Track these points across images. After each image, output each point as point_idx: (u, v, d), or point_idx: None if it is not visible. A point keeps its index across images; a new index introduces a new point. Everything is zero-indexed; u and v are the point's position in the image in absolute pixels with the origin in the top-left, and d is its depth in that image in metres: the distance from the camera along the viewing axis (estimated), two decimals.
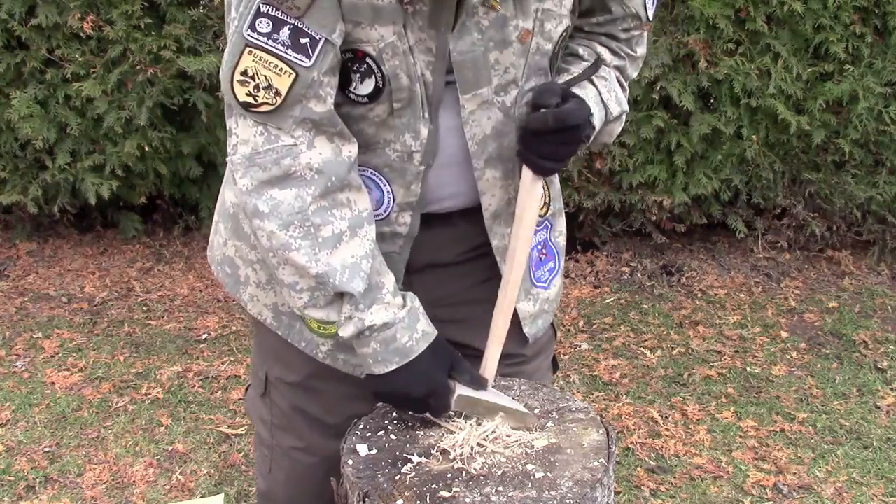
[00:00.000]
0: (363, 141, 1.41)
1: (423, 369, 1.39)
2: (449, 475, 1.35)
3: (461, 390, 1.43)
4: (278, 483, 1.71)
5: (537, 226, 1.57)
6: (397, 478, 1.35)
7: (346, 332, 1.37)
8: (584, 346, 3.46)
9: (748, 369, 3.28)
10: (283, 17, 1.26)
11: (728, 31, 3.57)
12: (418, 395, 1.40)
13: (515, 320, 1.57)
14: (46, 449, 2.85)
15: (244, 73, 1.28)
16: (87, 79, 3.77)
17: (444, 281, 1.59)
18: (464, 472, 1.35)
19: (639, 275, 4.00)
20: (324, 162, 1.33)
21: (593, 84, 1.50)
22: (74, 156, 3.97)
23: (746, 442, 2.86)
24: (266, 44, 1.26)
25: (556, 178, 1.66)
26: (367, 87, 1.36)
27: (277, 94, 1.28)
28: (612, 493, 1.40)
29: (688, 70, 3.70)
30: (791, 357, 3.37)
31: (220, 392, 3.16)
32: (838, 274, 4.03)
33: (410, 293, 1.43)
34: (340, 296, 1.36)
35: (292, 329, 1.55)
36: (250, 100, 1.29)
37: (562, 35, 1.44)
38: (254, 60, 1.27)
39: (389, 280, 1.40)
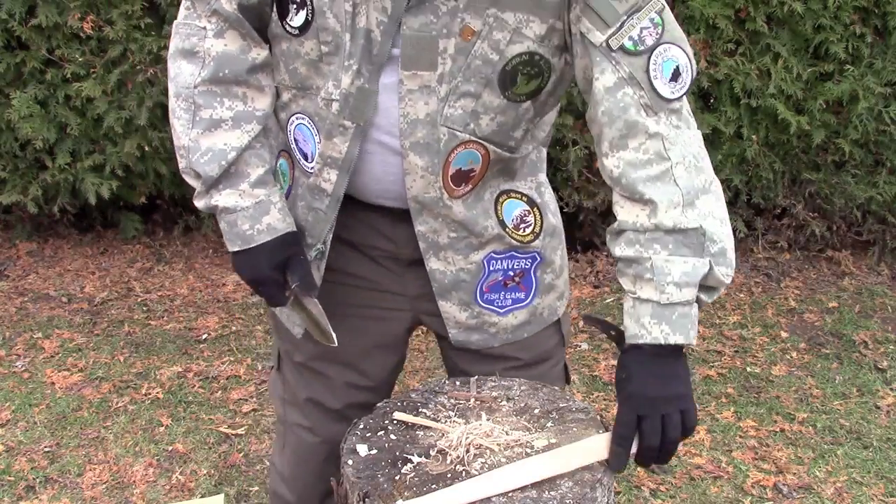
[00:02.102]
0: (299, 82, 1.47)
1: (256, 259, 1.47)
2: (449, 475, 1.35)
3: (304, 299, 1.50)
4: (287, 459, 1.76)
5: (517, 252, 1.56)
6: (397, 478, 1.35)
7: (197, 204, 1.49)
8: (584, 346, 3.46)
9: (748, 369, 3.28)
10: None
11: (728, 31, 3.57)
12: (251, 279, 1.49)
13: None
14: (46, 449, 2.85)
15: None
16: (87, 79, 3.77)
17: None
18: (464, 473, 1.35)
19: None
20: (223, 52, 1.43)
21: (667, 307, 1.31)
22: (74, 156, 3.97)
23: (746, 442, 2.86)
24: None
25: (554, 214, 1.63)
26: (299, 18, 1.41)
27: None
28: (612, 493, 1.40)
29: None
30: (791, 357, 3.37)
31: (220, 392, 3.16)
32: (838, 274, 4.03)
33: (276, 188, 1.49)
34: (197, 174, 1.47)
35: None
36: None
37: (520, 56, 1.36)
38: None
39: (256, 173, 1.46)
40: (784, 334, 3.53)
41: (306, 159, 1.51)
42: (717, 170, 3.81)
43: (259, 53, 1.46)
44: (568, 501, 1.28)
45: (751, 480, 2.66)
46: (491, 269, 1.56)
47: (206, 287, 3.95)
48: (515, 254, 1.57)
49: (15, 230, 4.36)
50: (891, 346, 3.44)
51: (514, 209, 1.56)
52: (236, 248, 1.48)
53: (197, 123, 1.44)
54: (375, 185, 1.49)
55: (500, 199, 1.55)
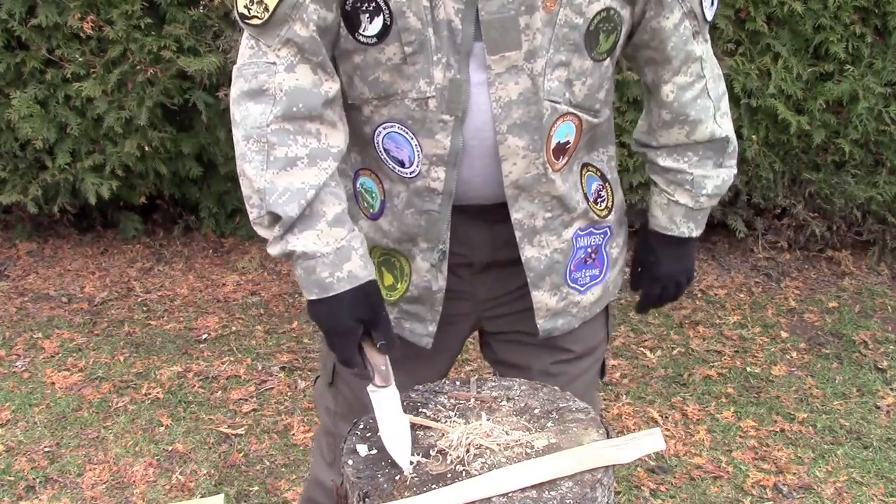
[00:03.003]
0: (382, 91, 1.43)
1: (336, 309, 1.40)
2: (449, 475, 1.35)
3: (372, 391, 1.44)
4: (337, 472, 1.73)
5: (595, 228, 1.60)
6: (397, 478, 1.35)
7: (274, 251, 1.40)
8: None
9: (748, 369, 3.28)
10: None
11: (728, 31, 3.57)
12: (328, 329, 1.42)
13: (531, 307, 1.59)
14: (46, 449, 2.85)
15: None
16: (87, 79, 3.77)
17: (506, 279, 1.61)
18: (464, 473, 1.35)
19: None
20: (295, 87, 1.37)
21: (680, 203, 1.64)
22: (74, 156, 3.97)
23: (746, 442, 2.86)
24: None
25: (619, 190, 1.67)
26: (375, 26, 1.39)
27: (266, 9, 1.35)
28: (612, 493, 1.40)
29: None
30: (791, 357, 3.37)
31: (220, 392, 3.16)
32: (838, 274, 4.03)
33: (357, 232, 1.42)
34: (276, 217, 1.38)
35: None
36: (245, 11, 1.36)
37: (599, 14, 1.42)
38: None
39: (332, 212, 1.39)
40: (784, 334, 3.53)
41: (403, 165, 1.48)
42: None
43: (331, 87, 1.40)
44: (568, 501, 1.28)
45: (751, 480, 2.66)
46: (577, 245, 1.59)
47: (206, 287, 3.95)
48: (593, 230, 1.61)
49: (15, 230, 4.36)
50: (891, 346, 3.44)
51: (592, 183, 1.60)
52: (313, 297, 1.40)
53: (272, 164, 1.37)
54: (472, 180, 1.49)
55: (584, 172, 1.58)
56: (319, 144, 1.39)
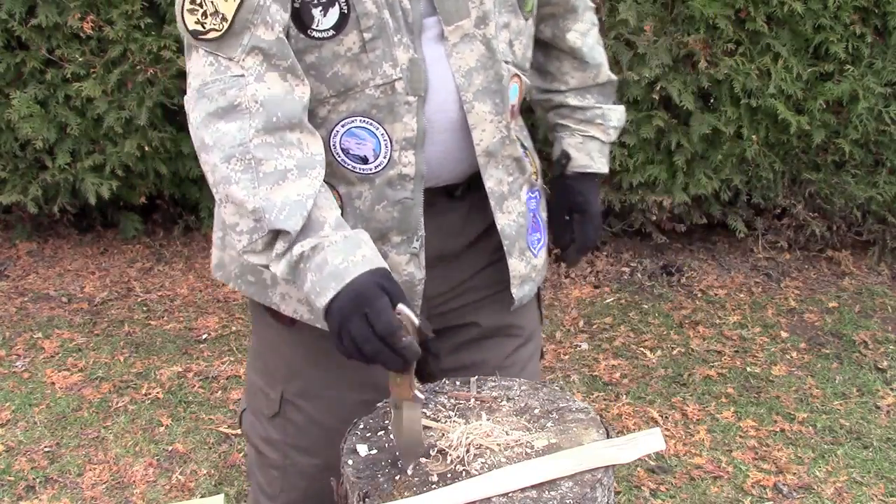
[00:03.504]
0: (341, 86, 1.38)
1: (360, 292, 1.25)
2: (449, 475, 1.35)
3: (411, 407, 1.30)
4: (293, 503, 1.67)
5: (531, 192, 1.62)
6: (397, 478, 1.35)
7: (279, 269, 1.30)
8: (584, 346, 3.46)
9: (748, 369, 3.28)
10: None
11: (728, 31, 3.57)
12: (358, 318, 1.25)
13: (506, 280, 1.58)
14: (46, 449, 2.85)
15: (192, 1, 1.29)
16: (87, 79, 3.77)
17: (451, 272, 1.59)
18: (464, 473, 1.35)
19: (639, 275, 4.01)
20: (270, 96, 1.31)
21: (595, 137, 1.70)
22: (74, 156, 3.97)
23: (746, 442, 2.86)
24: None
25: (536, 157, 1.69)
26: (331, 18, 1.34)
27: (224, 19, 1.28)
28: (612, 493, 1.40)
29: (688, 70, 3.70)
30: (791, 357, 3.37)
31: (220, 392, 3.16)
32: (838, 274, 4.03)
33: (361, 230, 1.36)
34: (276, 234, 1.30)
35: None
36: (199, 27, 1.29)
37: None
38: None
39: (333, 215, 1.33)
40: (784, 334, 3.53)
41: (366, 162, 1.43)
42: (717, 170, 3.82)
43: (304, 92, 1.35)
44: (568, 501, 1.28)
45: (751, 480, 2.66)
46: (530, 208, 1.61)
47: (206, 287, 3.95)
48: (531, 193, 1.62)
49: (15, 230, 4.36)
50: (891, 346, 3.44)
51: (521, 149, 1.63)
52: (331, 294, 1.26)
53: (262, 180, 1.29)
54: (439, 159, 1.47)
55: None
56: (303, 154, 1.34)
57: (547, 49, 1.68)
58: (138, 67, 3.75)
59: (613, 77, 1.70)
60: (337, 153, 1.43)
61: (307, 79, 1.37)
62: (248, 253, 1.33)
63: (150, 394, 3.14)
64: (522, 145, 1.58)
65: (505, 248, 1.55)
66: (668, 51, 3.63)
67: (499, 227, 1.54)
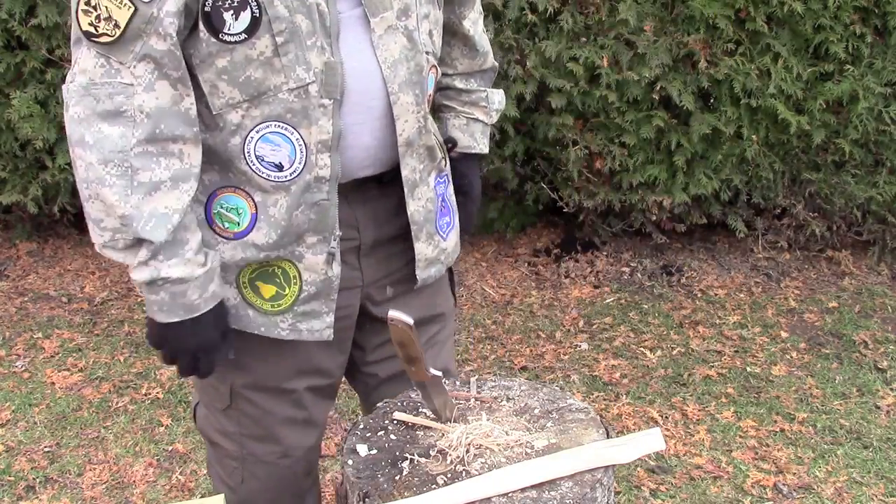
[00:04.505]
0: (254, 90, 1.39)
1: (203, 328, 1.44)
2: (449, 475, 1.35)
3: None
4: (255, 492, 1.70)
5: (440, 177, 1.66)
6: (397, 478, 1.35)
7: (140, 276, 1.39)
8: (584, 346, 3.46)
9: (748, 369, 3.28)
10: None
11: (728, 31, 3.57)
12: (192, 348, 1.46)
13: (411, 258, 1.64)
14: (46, 449, 2.85)
15: (88, 3, 1.30)
16: None
17: (389, 258, 1.64)
18: (464, 473, 1.35)
19: (639, 275, 4.01)
20: (157, 108, 1.34)
21: (478, 119, 1.79)
22: None
23: (746, 442, 2.86)
24: None
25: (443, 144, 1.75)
26: (242, 22, 1.35)
27: (116, 26, 1.29)
28: (612, 493, 1.40)
29: (688, 70, 3.70)
30: (791, 357, 3.37)
31: None
32: (838, 274, 4.03)
33: (213, 252, 1.46)
34: (140, 241, 1.37)
35: (246, 319, 1.54)
36: (92, 29, 1.31)
37: None
38: None
39: (195, 238, 1.42)
40: (784, 334, 3.53)
41: (281, 169, 1.45)
42: (717, 170, 3.82)
43: (192, 102, 1.38)
44: (568, 501, 1.28)
45: (751, 480, 2.66)
46: (437, 193, 1.65)
47: None
48: (440, 178, 1.67)
49: (15, 230, 4.36)
50: (891, 346, 3.44)
51: None
52: (176, 319, 1.42)
53: (136, 189, 1.34)
54: (363, 154, 1.51)
55: None
56: (182, 165, 1.38)
57: (444, 32, 1.71)
58: None
59: (496, 64, 1.80)
60: (252, 161, 1.45)
61: (219, 83, 1.39)
62: (107, 248, 1.39)
63: (150, 394, 3.14)
64: (434, 134, 1.63)
65: (413, 232, 1.60)
66: (668, 51, 3.63)
67: (409, 212, 1.58)
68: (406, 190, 1.56)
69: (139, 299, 3.85)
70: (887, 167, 3.87)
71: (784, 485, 2.65)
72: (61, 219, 4.29)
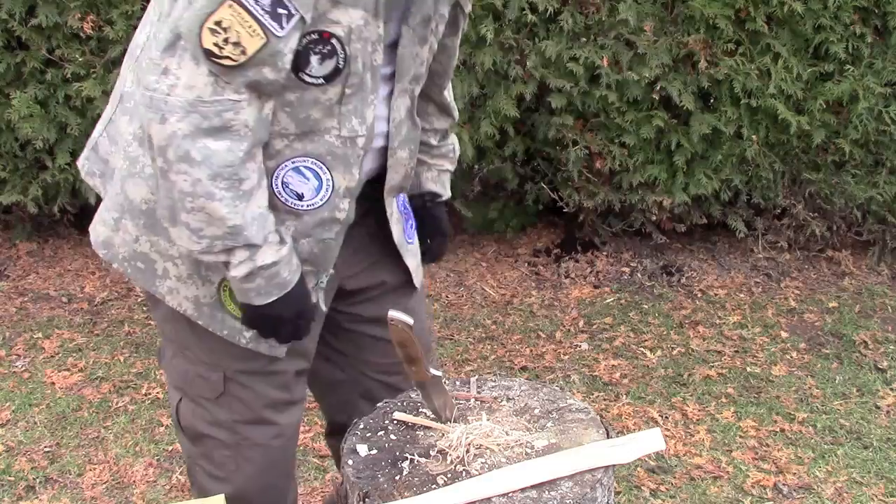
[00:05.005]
0: (307, 128, 1.47)
1: (297, 296, 1.53)
2: (449, 475, 1.35)
3: None
4: (249, 477, 1.73)
5: (399, 194, 1.79)
6: (397, 478, 1.35)
7: (238, 272, 1.46)
8: (584, 346, 3.46)
9: (748, 369, 3.28)
10: None
11: (728, 31, 3.57)
12: (292, 318, 1.54)
13: (406, 271, 1.82)
14: (46, 449, 2.85)
15: (218, 24, 1.31)
16: (87, 79, 3.77)
17: (359, 247, 1.74)
18: (464, 473, 1.35)
19: (639, 275, 4.01)
20: (256, 120, 1.40)
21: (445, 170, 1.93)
22: (74, 156, 3.96)
23: (746, 442, 2.86)
24: (248, 3, 1.31)
25: None
26: (325, 68, 1.42)
27: (244, 52, 1.33)
28: (612, 493, 1.40)
29: (688, 70, 3.70)
30: (791, 357, 3.37)
31: None
32: (838, 274, 4.03)
33: (282, 228, 1.53)
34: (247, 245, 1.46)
35: (214, 319, 1.59)
36: (215, 49, 1.32)
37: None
38: (231, 15, 1.31)
39: (272, 221, 1.48)
40: (784, 334, 3.53)
41: (301, 199, 1.52)
42: (717, 170, 3.82)
43: (270, 108, 1.43)
44: (568, 501, 1.28)
45: (751, 480, 2.66)
46: (400, 208, 1.81)
47: None
48: (400, 194, 1.81)
49: (15, 230, 4.36)
50: (891, 346, 3.44)
51: None
52: (273, 299, 1.50)
53: (241, 197, 1.40)
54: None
55: None
56: (258, 164, 1.44)
57: (422, 95, 1.79)
58: None
59: (457, 116, 1.93)
60: (276, 185, 1.51)
61: (280, 113, 1.45)
62: (203, 254, 1.45)
63: (150, 394, 3.14)
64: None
65: (402, 254, 1.78)
66: (668, 51, 3.63)
67: (395, 239, 1.75)
68: (392, 222, 1.73)
69: (139, 299, 3.85)
70: (887, 167, 3.87)
71: (784, 485, 2.65)
72: (61, 219, 4.28)
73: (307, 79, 1.42)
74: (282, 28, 1.33)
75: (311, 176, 1.50)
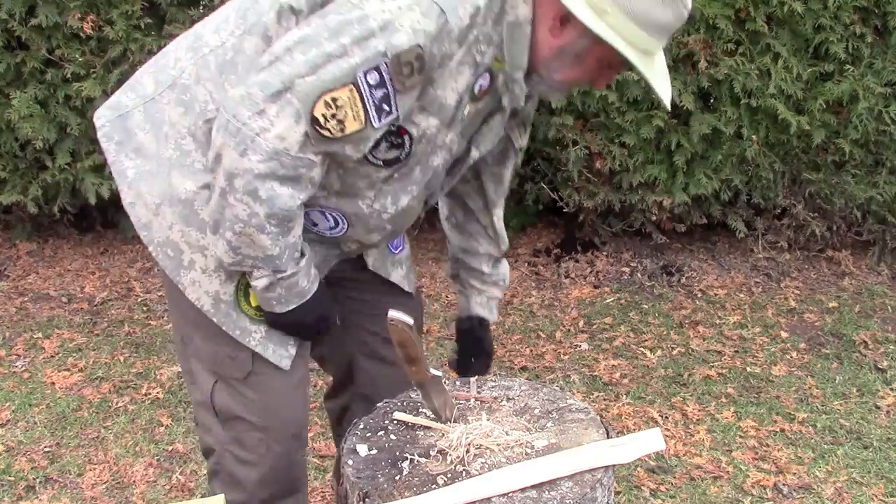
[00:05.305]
0: (348, 190, 1.61)
1: (316, 304, 1.65)
2: (449, 475, 1.35)
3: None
4: (279, 456, 1.76)
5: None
6: (397, 478, 1.35)
7: (260, 283, 1.57)
8: (584, 346, 3.46)
9: (748, 369, 3.28)
10: (389, 83, 1.44)
11: (728, 31, 3.57)
12: (311, 324, 1.67)
13: (397, 287, 1.93)
14: (46, 449, 2.85)
15: (334, 100, 1.43)
16: (87, 79, 3.77)
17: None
18: (464, 473, 1.35)
19: (639, 275, 4.01)
20: (319, 176, 1.52)
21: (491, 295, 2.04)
22: (74, 156, 3.96)
23: (746, 442, 2.86)
24: (366, 92, 1.44)
25: None
26: (389, 154, 1.56)
27: (342, 130, 1.45)
28: (612, 493, 1.40)
29: (688, 70, 3.70)
30: (791, 357, 3.37)
31: None
32: (838, 274, 4.03)
33: (304, 242, 1.63)
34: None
35: (228, 318, 1.66)
36: (321, 119, 1.43)
37: None
38: (349, 97, 1.43)
39: (300, 245, 1.60)
40: (784, 334, 3.53)
41: (314, 225, 1.68)
42: (717, 170, 3.82)
43: (327, 166, 1.55)
44: (568, 501, 1.28)
45: (751, 480, 2.66)
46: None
47: None
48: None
49: (15, 230, 4.36)
50: (891, 346, 3.44)
51: None
52: (292, 307, 1.61)
53: (286, 232, 1.52)
54: (355, 248, 1.78)
55: None
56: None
57: (472, 216, 1.98)
58: (138, 67, 3.74)
59: (507, 245, 2.04)
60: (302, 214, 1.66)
61: (332, 174, 1.57)
62: (232, 266, 1.57)
63: (150, 394, 3.14)
64: None
65: (383, 274, 1.90)
66: (668, 51, 3.63)
67: (370, 266, 1.88)
68: (373, 266, 1.89)
69: (139, 299, 3.85)
70: (887, 167, 3.87)
71: (784, 485, 2.65)
72: (61, 219, 4.28)
73: (371, 158, 1.55)
74: (380, 121, 1.46)
75: (332, 219, 1.65)
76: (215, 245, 1.55)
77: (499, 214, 1.98)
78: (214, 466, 1.81)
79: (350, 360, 1.98)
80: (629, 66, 1.54)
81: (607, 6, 1.47)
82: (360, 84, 1.42)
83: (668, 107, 1.64)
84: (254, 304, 1.66)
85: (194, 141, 1.59)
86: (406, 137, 1.55)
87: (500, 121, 1.71)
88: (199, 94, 1.58)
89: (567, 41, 1.54)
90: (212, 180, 1.51)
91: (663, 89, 1.57)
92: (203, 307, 1.65)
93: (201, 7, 3.70)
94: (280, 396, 1.73)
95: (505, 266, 2.05)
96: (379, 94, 1.44)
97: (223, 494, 1.54)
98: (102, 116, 1.68)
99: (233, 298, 1.64)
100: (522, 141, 1.90)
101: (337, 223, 1.66)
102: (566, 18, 1.52)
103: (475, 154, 1.73)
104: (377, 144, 1.53)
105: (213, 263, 1.62)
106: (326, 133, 1.44)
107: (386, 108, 1.45)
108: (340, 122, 1.43)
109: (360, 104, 1.43)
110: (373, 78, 1.42)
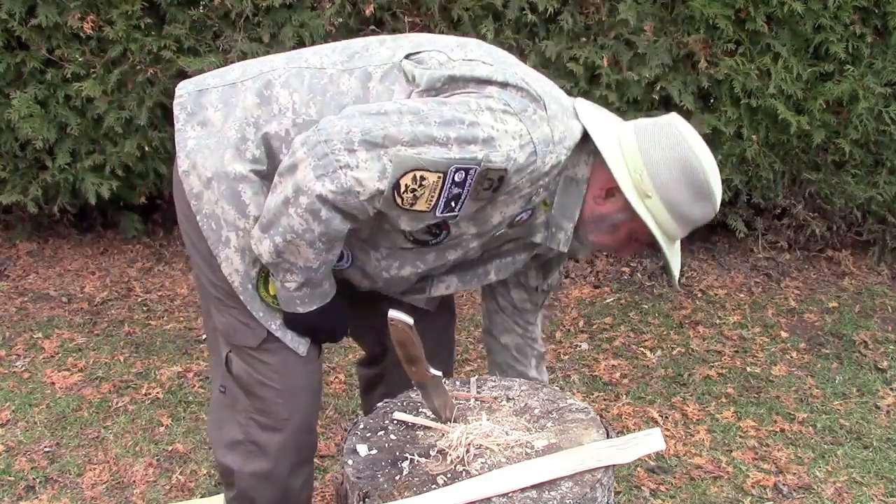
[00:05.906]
0: (370, 241, 1.75)
1: (334, 307, 1.76)
2: (449, 475, 1.35)
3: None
4: (300, 421, 1.85)
5: None
6: (397, 478, 1.35)
7: (292, 283, 1.68)
8: (584, 346, 3.46)
9: (748, 369, 3.28)
10: (468, 187, 1.57)
11: (728, 31, 3.57)
12: (330, 326, 1.78)
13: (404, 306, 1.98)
14: (46, 449, 2.85)
15: (422, 178, 1.54)
16: (87, 79, 3.77)
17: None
18: (464, 473, 1.35)
19: (639, 275, 4.00)
20: (365, 220, 1.64)
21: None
22: (74, 156, 3.96)
23: (746, 442, 2.86)
24: (448, 185, 1.56)
25: None
26: (424, 237, 1.71)
27: (411, 206, 1.57)
28: (612, 493, 1.40)
29: (688, 70, 3.70)
30: (791, 357, 3.37)
31: None
32: (838, 274, 4.03)
33: None
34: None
35: (254, 299, 1.75)
36: (402, 187, 1.55)
37: None
38: (435, 182, 1.55)
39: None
40: (784, 334, 3.53)
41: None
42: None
43: None
44: (568, 501, 1.28)
45: (751, 480, 2.66)
46: None
47: None
48: None
49: (15, 230, 4.36)
50: (891, 346, 3.44)
51: None
52: (314, 307, 1.72)
53: (329, 250, 1.63)
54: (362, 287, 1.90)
55: None
56: None
57: (520, 318, 2.13)
58: (138, 67, 3.74)
59: (542, 351, 2.16)
60: None
61: (364, 225, 1.68)
62: (270, 264, 1.66)
63: (150, 394, 3.14)
64: None
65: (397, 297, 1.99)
66: (668, 51, 3.63)
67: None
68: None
69: (139, 299, 3.85)
70: (887, 167, 3.87)
71: (784, 485, 2.65)
72: (61, 219, 4.29)
73: (407, 234, 1.70)
74: (442, 213, 1.60)
75: (344, 255, 1.77)
76: (260, 241, 1.63)
77: (538, 324, 2.13)
78: (238, 434, 1.88)
79: (381, 337, 2.04)
80: (655, 247, 1.75)
81: (650, 191, 1.67)
82: (449, 177, 1.55)
83: (678, 286, 1.82)
84: (272, 292, 1.75)
85: (257, 132, 1.68)
86: (445, 232, 1.71)
87: (523, 258, 1.90)
88: (281, 96, 1.68)
89: (608, 210, 1.74)
90: (275, 181, 1.60)
91: (676, 267, 1.80)
92: (233, 283, 1.74)
93: (201, 7, 3.71)
94: (294, 363, 1.81)
95: (545, 376, 2.17)
96: (455, 191, 1.57)
97: (222, 495, 1.53)
98: (183, 88, 1.77)
99: (256, 281, 1.74)
100: (534, 281, 2.05)
101: (343, 259, 1.78)
102: (612, 191, 1.71)
103: (493, 278, 1.90)
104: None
105: (244, 243, 1.70)
106: (398, 200, 1.55)
107: (453, 205, 1.59)
108: (415, 198, 1.55)
109: (437, 193, 1.56)
110: (459, 176, 1.55)
